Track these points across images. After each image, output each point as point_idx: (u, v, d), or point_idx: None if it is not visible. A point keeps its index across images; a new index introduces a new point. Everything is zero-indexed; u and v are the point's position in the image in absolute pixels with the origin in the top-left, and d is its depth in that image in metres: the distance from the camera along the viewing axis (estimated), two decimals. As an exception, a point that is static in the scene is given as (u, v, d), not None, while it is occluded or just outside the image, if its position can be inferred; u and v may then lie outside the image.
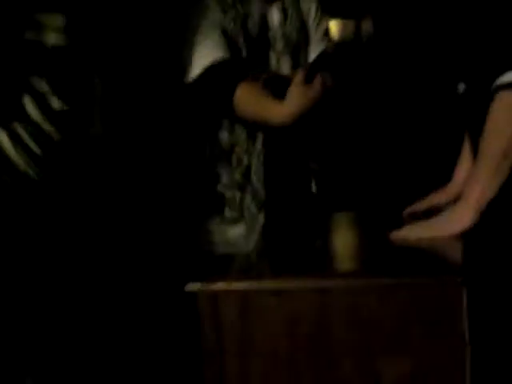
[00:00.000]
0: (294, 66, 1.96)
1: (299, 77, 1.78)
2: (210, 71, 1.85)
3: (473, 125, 1.57)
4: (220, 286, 1.50)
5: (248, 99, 1.81)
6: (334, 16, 2.31)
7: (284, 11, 1.95)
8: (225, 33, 1.90)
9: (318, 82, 1.75)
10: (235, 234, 1.94)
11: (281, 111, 1.75)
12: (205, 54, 1.86)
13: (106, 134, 1.87)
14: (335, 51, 2.04)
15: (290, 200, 1.97)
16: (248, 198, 1.91)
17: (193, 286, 1.51)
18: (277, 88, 1.83)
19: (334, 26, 2.41)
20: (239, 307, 1.49)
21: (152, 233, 1.98)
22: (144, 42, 1.93)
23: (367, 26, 2.55)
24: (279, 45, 1.95)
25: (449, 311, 1.42)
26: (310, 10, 2.00)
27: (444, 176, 1.67)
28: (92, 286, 1.91)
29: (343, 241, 1.64)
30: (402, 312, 1.44)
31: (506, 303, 1.51)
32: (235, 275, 1.56)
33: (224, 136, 1.93)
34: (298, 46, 1.99)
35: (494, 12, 1.49)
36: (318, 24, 2.00)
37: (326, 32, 2.04)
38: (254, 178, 1.92)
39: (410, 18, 2.45)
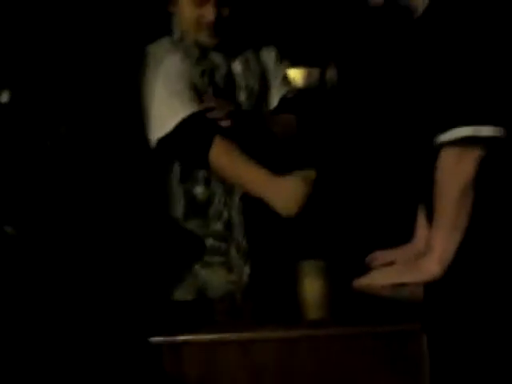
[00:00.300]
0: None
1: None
2: (183, 125, 1.88)
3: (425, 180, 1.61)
4: (184, 337, 1.49)
5: (232, 163, 1.84)
6: (298, 64, 2.35)
7: (246, 62, 2.02)
8: (194, 86, 1.95)
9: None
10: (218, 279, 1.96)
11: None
12: (176, 109, 1.89)
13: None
14: (296, 97, 2.07)
15: (272, 250, 2.00)
16: (233, 250, 1.95)
17: (156, 339, 1.51)
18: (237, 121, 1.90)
19: (299, 74, 2.46)
20: (203, 359, 1.49)
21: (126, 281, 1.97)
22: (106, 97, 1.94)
23: (331, 73, 2.63)
24: (242, 95, 2.00)
25: (410, 357, 1.44)
26: (270, 58, 2.08)
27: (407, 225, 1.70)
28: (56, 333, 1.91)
29: (310, 289, 1.65)
30: (366, 360, 1.45)
31: (466, 348, 1.53)
32: (200, 326, 1.55)
33: (199, 190, 1.95)
34: (259, 95, 2.04)
35: (438, 70, 1.55)
36: (277, 71, 2.07)
37: (286, 78, 2.10)
38: (235, 230, 1.97)
39: (373, 65, 2.52)
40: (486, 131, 1.50)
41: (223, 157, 1.83)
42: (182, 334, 1.50)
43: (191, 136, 1.87)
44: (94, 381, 1.81)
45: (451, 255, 1.54)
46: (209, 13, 1.91)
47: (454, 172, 1.53)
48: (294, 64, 2.25)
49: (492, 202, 1.57)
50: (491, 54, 1.52)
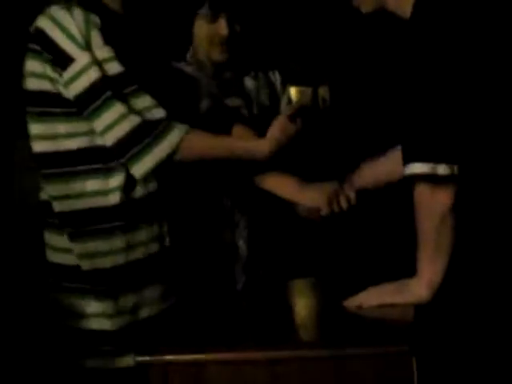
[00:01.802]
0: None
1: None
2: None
3: None
4: (170, 357, 1.50)
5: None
6: (294, 83, 2.45)
7: (257, 80, 2.15)
8: (214, 96, 2.07)
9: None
10: None
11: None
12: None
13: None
14: (295, 115, 2.14)
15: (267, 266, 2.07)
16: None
17: (143, 358, 1.51)
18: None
19: (294, 93, 2.53)
20: (190, 379, 1.49)
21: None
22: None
23: (324, 92, 2.70)
24: (255, 109, 2.13)
25: (398, 379, 1.45)
26: (276, 79, 2.21)
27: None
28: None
29: (298, 309, 1.66)
30: (354, 382, 1.46)
31: (454, 371, 1.54)
32: (186, 346, 1.55)
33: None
34: (269, 111, 2.15)
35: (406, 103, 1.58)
36: (283, 92, 2.21)
37: (290, 98, 2.25)
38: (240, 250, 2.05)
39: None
40: (442, 170, 1.51)
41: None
42: (169, 353, 1.50)
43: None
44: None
45: (440, 278, 1.55)
46: (221, 28, 2.01)
47: (429, 205, 1.54)
48: (290, 83, 2.33)
49: (477, 223, 1.59)
50: (452, 89, 1.54)
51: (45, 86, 1.78)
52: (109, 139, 1.79)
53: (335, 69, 2.76)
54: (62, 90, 1.79)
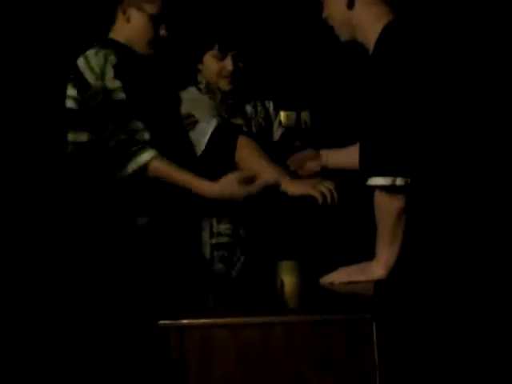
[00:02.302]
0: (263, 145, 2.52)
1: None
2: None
3: None
4: (185, 321, 1.85)
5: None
6: (282, 109, 2.82)
7: (255, 106, 2.62)
8: (223, 116, 2.52)
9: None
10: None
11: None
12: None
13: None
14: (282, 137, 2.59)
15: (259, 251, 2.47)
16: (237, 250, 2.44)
17: (164, 322, 1.86)
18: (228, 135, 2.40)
19: (281, 116, 2.89)
20: (200, 338, 1.83)
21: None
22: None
23: (306, 116, 3.09)
24: (254, 128, 2.59)
25: (362, 341, 1.77)
26: (270, 106, 2.67)
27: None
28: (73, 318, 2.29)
29: (286, 284, 2.03)
30: (327, 341, 1.79)
31: (409, 335, 1.89)
32: (197, 312, 1.91)
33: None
34: (265, 131, 2.62)
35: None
36: (275, 116, 2.67)
37: (281, 121, 2.70)
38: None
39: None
40: (399, 181, 1.84)
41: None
42: (184, 318, 1.85)
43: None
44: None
45: (394, 262, 1.93)
46: (228, 64, 2.47)
47: (387, 208, 1.89)
48: (280, 109, 2.75)
49: (424, 220, 1.95)
50: (411, 108, 1.84)
51: (69, 104, 2.32)
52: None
53: (315, 97, 3.23)
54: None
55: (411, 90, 1.86)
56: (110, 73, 2.26)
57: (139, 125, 2.24)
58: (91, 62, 2.27)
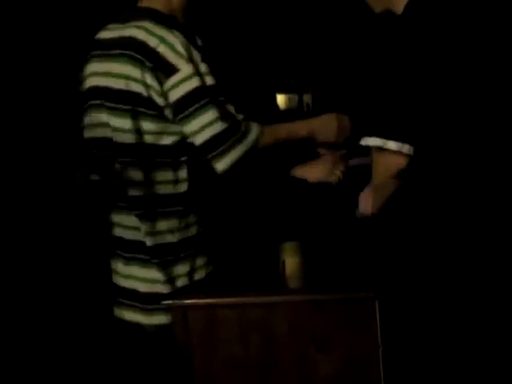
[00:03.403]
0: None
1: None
2: None
3: None
4: (188, 301, 1.87)
5: None
6: (284, 92, 2.81)
7: None
8: None
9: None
10: None
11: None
12: None
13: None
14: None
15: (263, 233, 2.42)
16: None
17: (167, 302, 1.89)
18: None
19: (284, 99, 2.89)
20: (204, 318, 1.85)
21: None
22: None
23: (308, 99, 3.09)
24: None
25: (365, 320, 1.79)
26: None
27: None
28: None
29: (288, 265, 2.04)
30: (330, 319, 1.81)
31: (411, 313, 1.89)
32: (200, 292, 1.92)
33: None
34: None
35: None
36: None
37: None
38: None
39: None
40: (391, 145, 1.84)
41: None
42: (187, 298, 1.87)
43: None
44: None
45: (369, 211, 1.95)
46: None
47: (382, 166, 1.89)
48: (279, 91, 2.71)
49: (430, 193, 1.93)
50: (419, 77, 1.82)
51: (137, 88, 1.97)
52: (201, 137, 1.99)
53: (317, 79, 3.19)
54: (154, 95, 1.98)
55: (433, 60, 1.84)
56: (196, 55, 2.00)
57: (232, 107, 2.05)
58: (176, 47, 1.98)
